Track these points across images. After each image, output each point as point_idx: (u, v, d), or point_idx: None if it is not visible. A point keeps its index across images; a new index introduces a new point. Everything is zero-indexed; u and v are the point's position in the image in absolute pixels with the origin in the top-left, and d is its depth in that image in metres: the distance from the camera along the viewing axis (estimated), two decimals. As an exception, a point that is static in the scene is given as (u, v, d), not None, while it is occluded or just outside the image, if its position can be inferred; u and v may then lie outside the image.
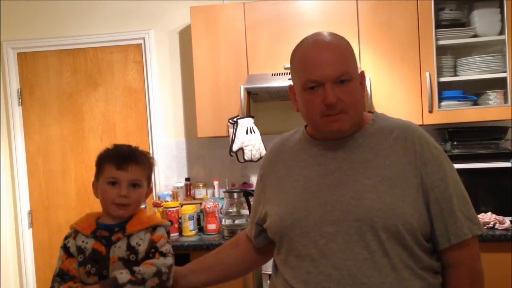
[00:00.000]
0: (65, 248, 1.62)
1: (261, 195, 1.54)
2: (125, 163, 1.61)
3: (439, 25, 3.08)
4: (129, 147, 1.68)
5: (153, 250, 1.60)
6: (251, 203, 3.06)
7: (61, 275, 1.59)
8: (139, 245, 1.58)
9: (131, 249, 1.57)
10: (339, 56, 1.34)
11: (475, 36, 3.07)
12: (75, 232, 1.64)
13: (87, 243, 1.59)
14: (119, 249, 1.57)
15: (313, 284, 1.30)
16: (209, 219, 3.12)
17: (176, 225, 3.11)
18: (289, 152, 1.50)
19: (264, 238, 1.57)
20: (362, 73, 1.43)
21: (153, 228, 1.63)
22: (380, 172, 1.32)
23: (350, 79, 1.33)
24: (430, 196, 1.31)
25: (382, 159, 1.33)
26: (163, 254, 1.61)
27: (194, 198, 3.50)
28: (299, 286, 1.32)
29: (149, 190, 1.72)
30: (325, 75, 1.31)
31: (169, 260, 1.60)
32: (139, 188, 1.64)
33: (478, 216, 1.68)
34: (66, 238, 1.65)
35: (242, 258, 1.66)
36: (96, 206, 4.06)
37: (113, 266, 1.55)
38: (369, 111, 1.48)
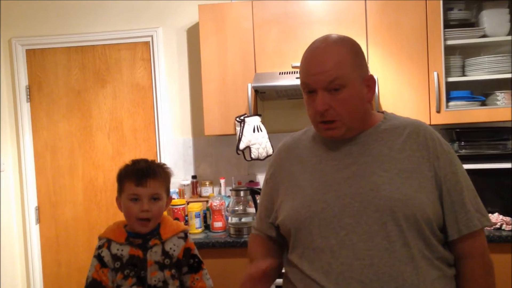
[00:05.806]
0: (99, 257, 1.75)
1: (274, 193, 1.55)
2: (144, 179, 1.73)
3: (447, 25, 3.07)
4: (146, 161, 1.82)
5: (196, 260, 1.85)
6: (258, 201, 3.08)
7: (94, 284, 1.72)
8: (174, 251, 1.78)
9: (165, 254, 1.76)
10: (333, 63, 1.35)
11: (483, 36, 3.06)
12: (108, 241, 1.76)
13: (122, 250, 1.73)
14: (155, 254, 1.74)
15: (335, 275, 1.31)
16: (215, 216, 3.13)
17: (183, 223, 3.11)
18: (302, 148, 1.52)
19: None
20: (370, 77, 1.44)
21: (185, 234, 1.85)
22: (396, 165, 1.35)
23: (344, 86, 1.35)
24: (443, 189, 1.35)
25: (397, 153, 1.37)
26: (201, 264, 1.88)
27: (200, 196, 3.51)
28: (320, 277, 1.34)
29: (169, 199, 1.87)
30: (316, 82, 1.36)
31: (211, 283, 1.87)
32: (159, 201, 1.77)
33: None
34: (100, 247, 1.77)
35: (278, 261, 1.65)
36: (103, 202, 4.10)
37: (151, 268, 1.72)
38: (379, 111, 1.52)
